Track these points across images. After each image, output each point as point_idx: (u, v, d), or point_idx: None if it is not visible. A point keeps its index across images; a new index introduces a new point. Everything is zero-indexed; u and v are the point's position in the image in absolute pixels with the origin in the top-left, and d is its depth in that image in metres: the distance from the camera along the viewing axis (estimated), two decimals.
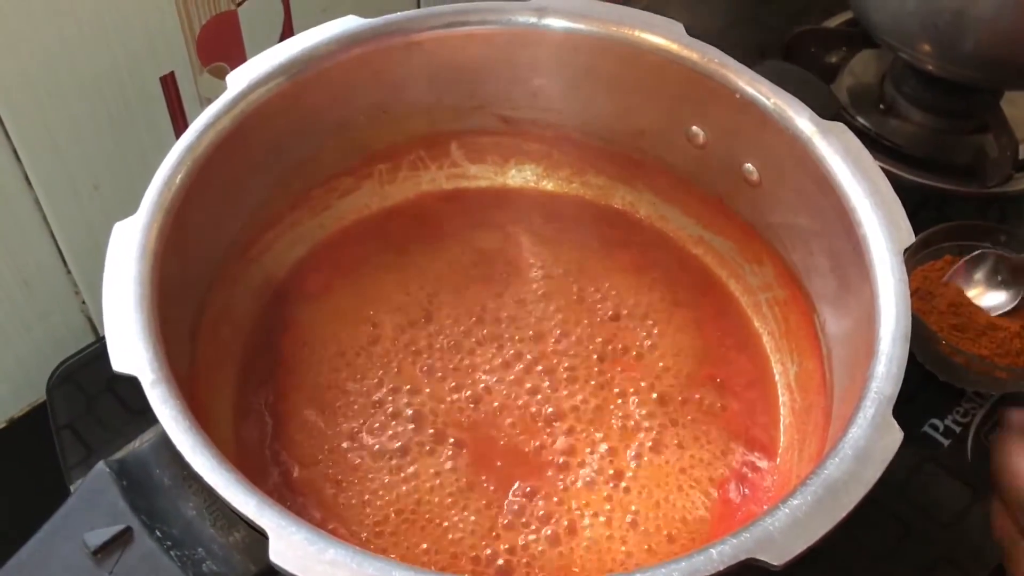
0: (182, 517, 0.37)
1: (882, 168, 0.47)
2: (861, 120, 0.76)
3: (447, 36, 0.53)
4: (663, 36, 0.52)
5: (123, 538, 0.35)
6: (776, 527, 0.35)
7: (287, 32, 0.63)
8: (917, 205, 0.72)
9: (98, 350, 0.60)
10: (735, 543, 0.34)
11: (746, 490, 0.49)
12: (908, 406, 0.44)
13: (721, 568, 0.34)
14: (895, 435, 0.38)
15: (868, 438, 0.37)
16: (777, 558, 0.34)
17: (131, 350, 0.38)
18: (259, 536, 0.35)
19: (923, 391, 0.59)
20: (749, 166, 0.52)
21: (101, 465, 0.37)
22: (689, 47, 0.51)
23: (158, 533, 0.36)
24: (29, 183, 0.56)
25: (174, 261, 0.43)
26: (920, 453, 0.57)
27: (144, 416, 0.55)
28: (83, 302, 0.64)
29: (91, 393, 0.58)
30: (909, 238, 0.44)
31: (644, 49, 0.52)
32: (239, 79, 0.48)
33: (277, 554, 0.33)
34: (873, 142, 0.75)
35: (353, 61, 0.51)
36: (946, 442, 0.58)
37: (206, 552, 0.36)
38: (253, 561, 0.36)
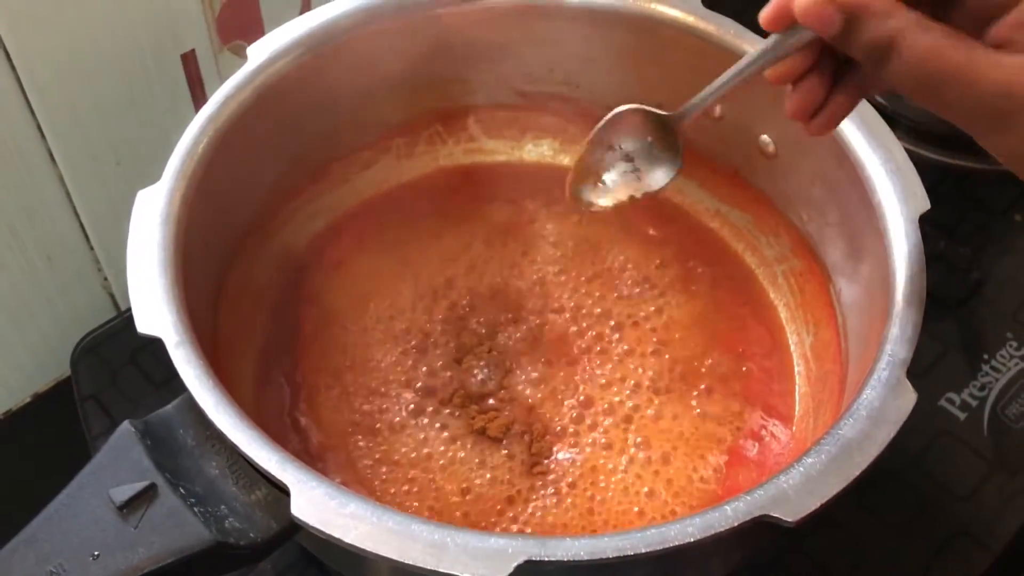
0: (205, 476, 0.38)
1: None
2: (878, 96, 0.76)
3: (465, 10, 0.53)
4: (680, 8, 0.52)
5: (148, 494, 0.36)
6: (790, 485, 0.35)
7: (305, 11, 0.64)
8: (935, 182, 0.71)
9: (121, 323, 0.61)
10: (749, 500, 0.35)
11: (761, 457, 0.49)
12: (924, 379, 0.44)
13: (735, 524, 0.34)
14: (909, 396, 0.38)
15: (882, 399, 0.38)
16: (791, 515, 0.34)
17: (155, 312, 0.39)
18: (280, 494, 0.36)
19: (939, 364, 0.59)
20: (765, 138, 0.53)
21: (126, 424, 0.38)
22: (706, 19, 0.51)
23: (182, 490, 0.36)
24: (53, 160, 0.57)
25: (196, 229, 0.44)
26: (937, 426, 0.57)
27: (167, 387, 0.56)
28: (105, 278, 0.65)
29: (115, 365, 0.58)
30: (924, 205, 0.44)
31: (661, 22, 0.52)
32: (259, 51, 0.49)
33: (299, 509, 0.34)
34: (890, 119, 0.74)
35: (372, 35, 0.52)
36: (963, 415, 0.57)
37: (229, 509, 0.37)
38: (274, 518, 0.37)
